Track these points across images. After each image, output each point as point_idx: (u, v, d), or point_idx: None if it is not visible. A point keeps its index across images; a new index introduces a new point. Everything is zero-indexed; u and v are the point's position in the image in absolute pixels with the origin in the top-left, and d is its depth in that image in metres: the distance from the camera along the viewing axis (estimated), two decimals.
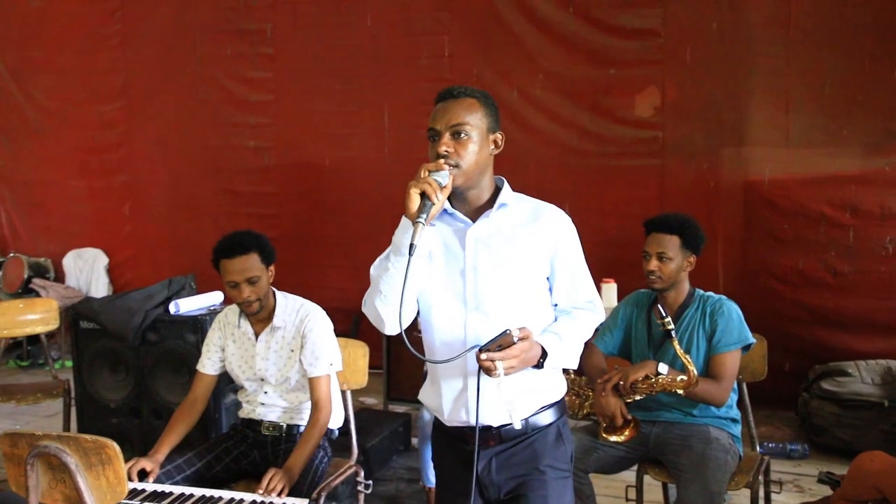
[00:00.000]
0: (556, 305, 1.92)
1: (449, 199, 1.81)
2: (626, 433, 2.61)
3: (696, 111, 4.90)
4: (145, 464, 2.45)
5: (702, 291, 2.75)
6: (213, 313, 3.38)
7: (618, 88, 5.01)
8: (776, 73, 4.73)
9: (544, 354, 1.78)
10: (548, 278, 1.89)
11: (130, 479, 2.37)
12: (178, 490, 2.31)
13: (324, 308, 2.81)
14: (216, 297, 3.61)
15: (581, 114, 5.09)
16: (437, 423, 1.98)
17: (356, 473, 2.83)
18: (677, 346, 2.45)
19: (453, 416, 1.88)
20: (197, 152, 6.22)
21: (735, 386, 2.72)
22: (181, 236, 6.34)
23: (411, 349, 1.68)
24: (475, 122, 1.78)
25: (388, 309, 1.77)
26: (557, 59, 5.12)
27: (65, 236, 6.71)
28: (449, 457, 1.96)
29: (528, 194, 1.91)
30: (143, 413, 3.43)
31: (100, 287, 6.49)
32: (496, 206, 1.83)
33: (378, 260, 1.83)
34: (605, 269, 4.51)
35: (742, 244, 4.87)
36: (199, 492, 2.29)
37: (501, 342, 1.69)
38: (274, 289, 2.77)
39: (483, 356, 1.68)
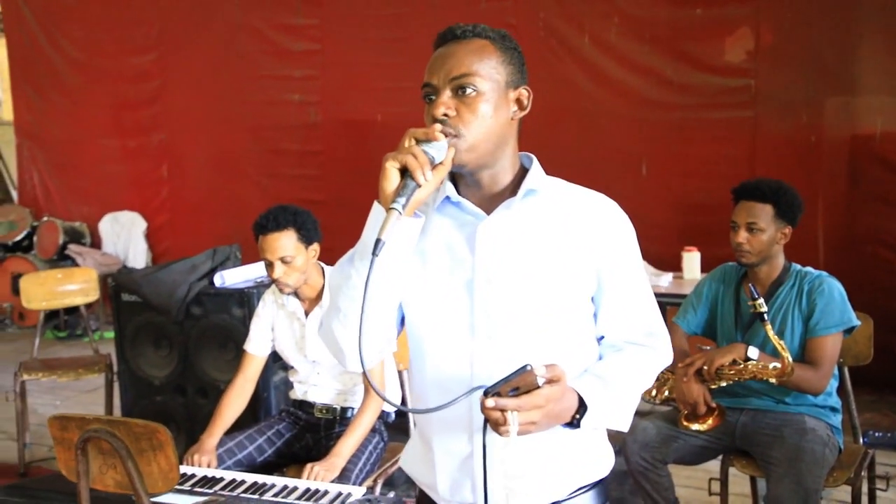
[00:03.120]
0: (601, 338, 1.53)
1: (453, 182, 1.47)
2: (710, 422, 2.62)
3: (796, 55, 4.77)
4: (200, 459, 2.59)
5: (799, 266, 2.72)
6: (259, 286, 3.49)
7: (705, 31, 4.92)
8: (891, 9, 4.56)
9: (582, 408, 1.37)
10: (593, 298, 1.49)
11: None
12: (229, 475, 2.44)
13: None
14: (263, 269, 3.72)
15: (662, 61, 5.01)
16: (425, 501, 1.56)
17: None
18: (770, 331, 2.44)
19: (454, 494, 1.49)
20: (237, 108, 6.36)
21: (835, 371, 2.70)
22: (222, 199, 6.53)
23: (378, 392, 1.38)
24: (487, 72, 1.40)
25: (348, 334, 1.39)
26: None
27: (100, 199, 6.98)
28: None
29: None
30: (188, 391, 3.59)
31: (138, 254, 6.75)
32: (522, 192, 1.44)
33: (338, 263, 1.46)
34: (688, 236, 4.49)
35: (847, 209, 4.77)
36: (250, 478, 2.41)
37: (518, 383, 1.28)
38: (322, 264, 2.84)
39: (489, 402, 1.27)
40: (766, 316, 2.42)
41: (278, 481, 2.39)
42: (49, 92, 7.09)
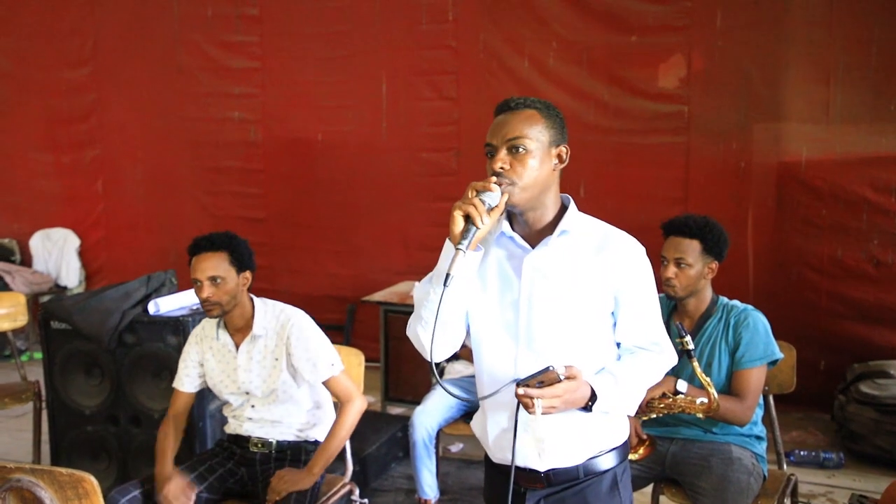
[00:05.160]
0: (619, 344, 1.95)
1: (509, 220, 1.90)
2: (641, 452, 2.67)
3: (726, 83, 4.89)
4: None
5: (726, 300, 2.80)
6: (195, 314, 3.44)
7: (639, 57, 5.01)
8: (816, 41, 4.71)
9: (594, 397, 1.81)
10: (612, 313, 1.91)
11: None
12: None
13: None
14: None
15: (598, 86, 5.10)
16: (488, 457, 2.05)
17: (350, 492, 2.92)
18: (697, 368, 2.50)
19: (498, 453, 1.95)
20: (175, 124, 6.26)
21: (760, 400, 2.78)
22: (159, 216, 6.42)
23: (440, 384, 1.86)
24: (535, 134, 1.81)
25: (427, 336, 1.82)
26: (573, 24, 5.11)
27: (31, 215, 6.79)
28: (497, 495, 2.00)
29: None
30: (121, 420, 3.51)
31: (70, 272, 6.58)
32: (557, 232, 1.86)
33: (423, 281, 1.88)
34: None
35: (775, 231, 4.90)
36: None
37: (543, 378, 1.73)
38: (252, 296, 2.83)
39: (520, 391, 1.74)
40: (693, 353, 2.48)
41: None
42: None
